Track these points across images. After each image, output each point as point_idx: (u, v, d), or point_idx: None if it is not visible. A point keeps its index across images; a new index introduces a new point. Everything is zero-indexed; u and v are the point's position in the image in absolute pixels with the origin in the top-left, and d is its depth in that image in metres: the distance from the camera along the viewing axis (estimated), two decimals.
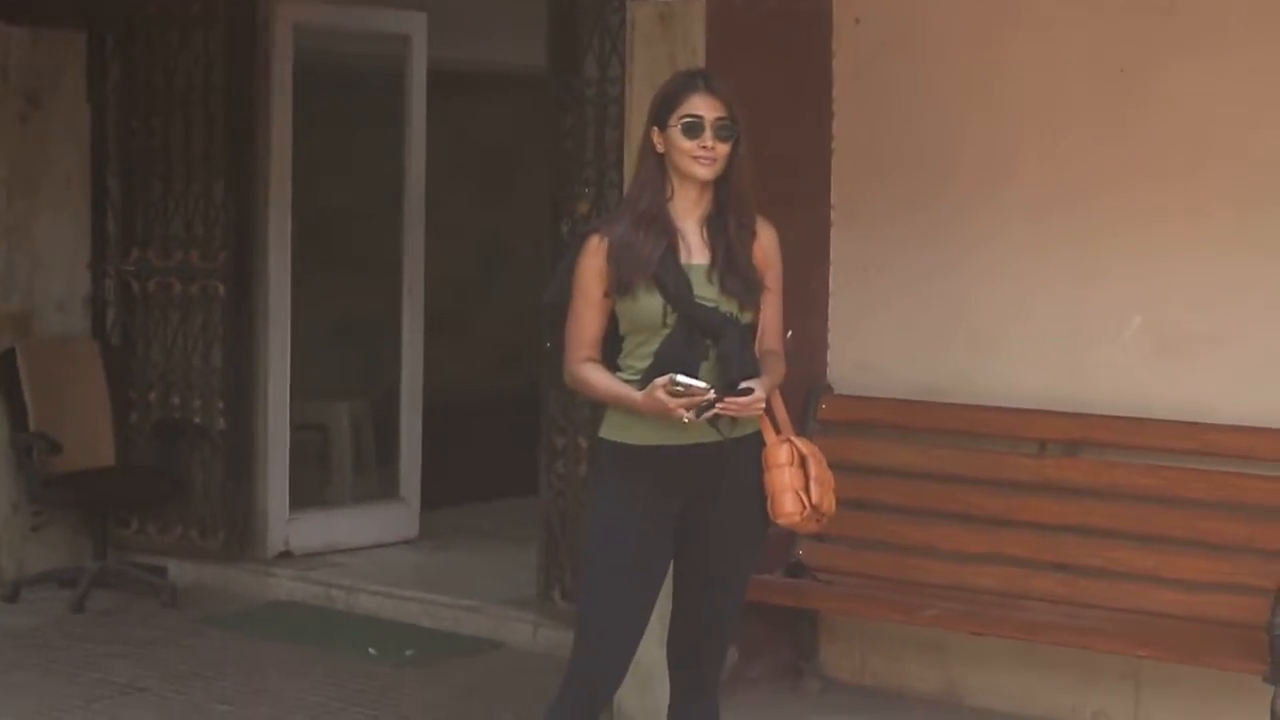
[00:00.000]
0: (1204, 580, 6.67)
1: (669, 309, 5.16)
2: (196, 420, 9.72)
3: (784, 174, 7.15)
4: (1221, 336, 6.86)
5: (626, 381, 5.21)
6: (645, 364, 5.19)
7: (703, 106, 5.19)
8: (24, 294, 9.63)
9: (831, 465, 6.91)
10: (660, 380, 5.02)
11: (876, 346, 7.57)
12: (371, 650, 8.37)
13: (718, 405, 5.04)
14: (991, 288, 7.33)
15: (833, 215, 7.66)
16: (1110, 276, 7.08)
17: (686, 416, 5.02)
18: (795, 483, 5.23)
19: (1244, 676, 6.26)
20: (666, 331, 5.17)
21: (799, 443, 5.30)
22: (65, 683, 7.85)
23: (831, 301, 7.65)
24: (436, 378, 10.51)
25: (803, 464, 5.26)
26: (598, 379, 5.27)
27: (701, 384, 5.01)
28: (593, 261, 5.24)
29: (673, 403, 5.00)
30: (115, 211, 9.94)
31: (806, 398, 7.35)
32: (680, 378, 5.00)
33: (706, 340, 5.17)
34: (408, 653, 8.35)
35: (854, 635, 7.59)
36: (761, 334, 5.32)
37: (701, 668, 5.50)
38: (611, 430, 5.32)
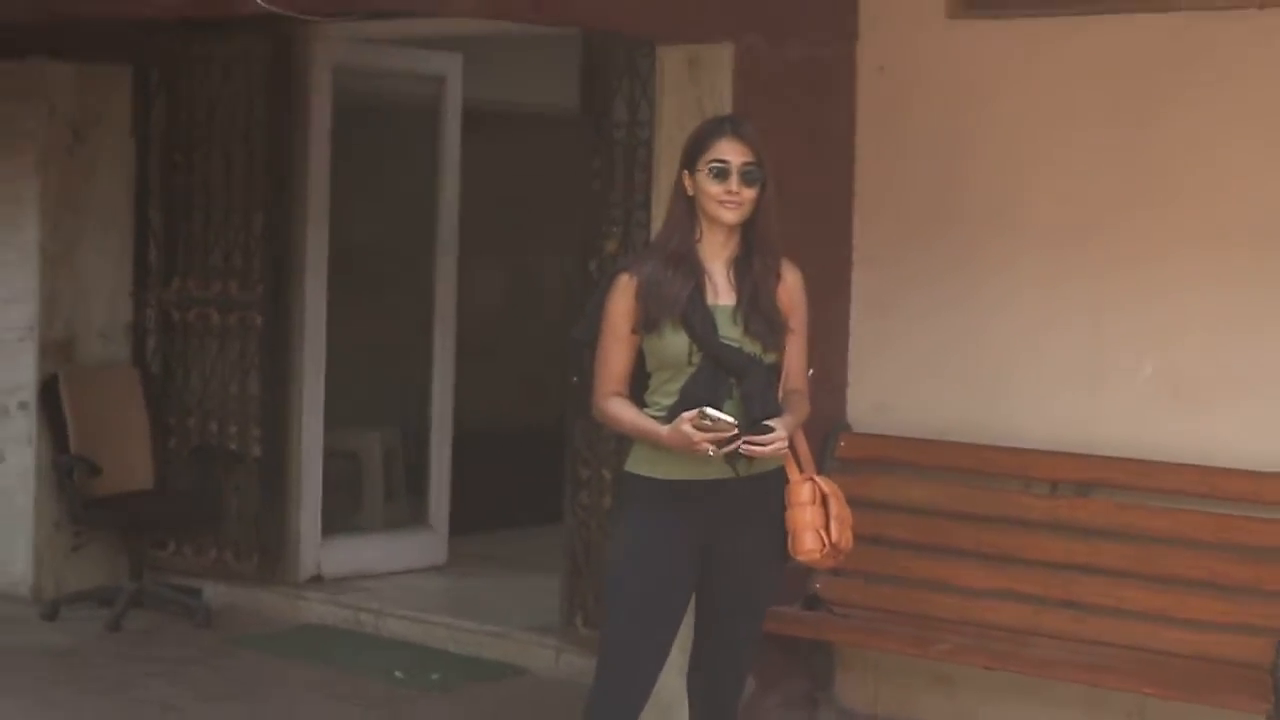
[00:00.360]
0: (1210, 620, 6.62)
1: (694, 348, 5.18)
2: (233, 446, 9.70)
3: (807, 216, 7.11)
4: (1231, 383, 6.81)
5: (652, 417, 5.22)
6: (671, 401, 5.20)
7: (729, 152, 5.20)
8: (67, 321, 9.62)
9: (849, 502, 6.88)
10: (688, 414, 5.05)
11: (894, 386, 7.53)
12: (398, 674, 8.33)
13: (740, 444, 5.04)
14: (1006, 332, 7.28)
15: (854, 256, 7.62)
16: (1124, 320, 7.03)
17: (710, 450, 5.03)
18: (816, 521, 5.25)
19: (1248, 715, 6.21)
20: (692, 370, 5.19)
21: (821, 481, 5.33)
22: (101, 700, 7.82)
23: (851, 341, 7.62)
24: (466, 408, 10.48)
25: (824, 502, 5.28)
26: (624, 413, 5.29)
27: (728, 419, 5.03)
28: (622, 299, 5.26)
29: (698, 436, 5.02)
30: (157, 242, 9.94)
31: (825, 436, 7.30)
32: (710, 411, 5.02)
33: (731, 379, 5.18)
34: (433, 677, 8.31)
35: (868, 667, 7.54)
36: (786, 374, 5.34)
37: (720, 697, 5.51)
38: (637, 464, 5.34)
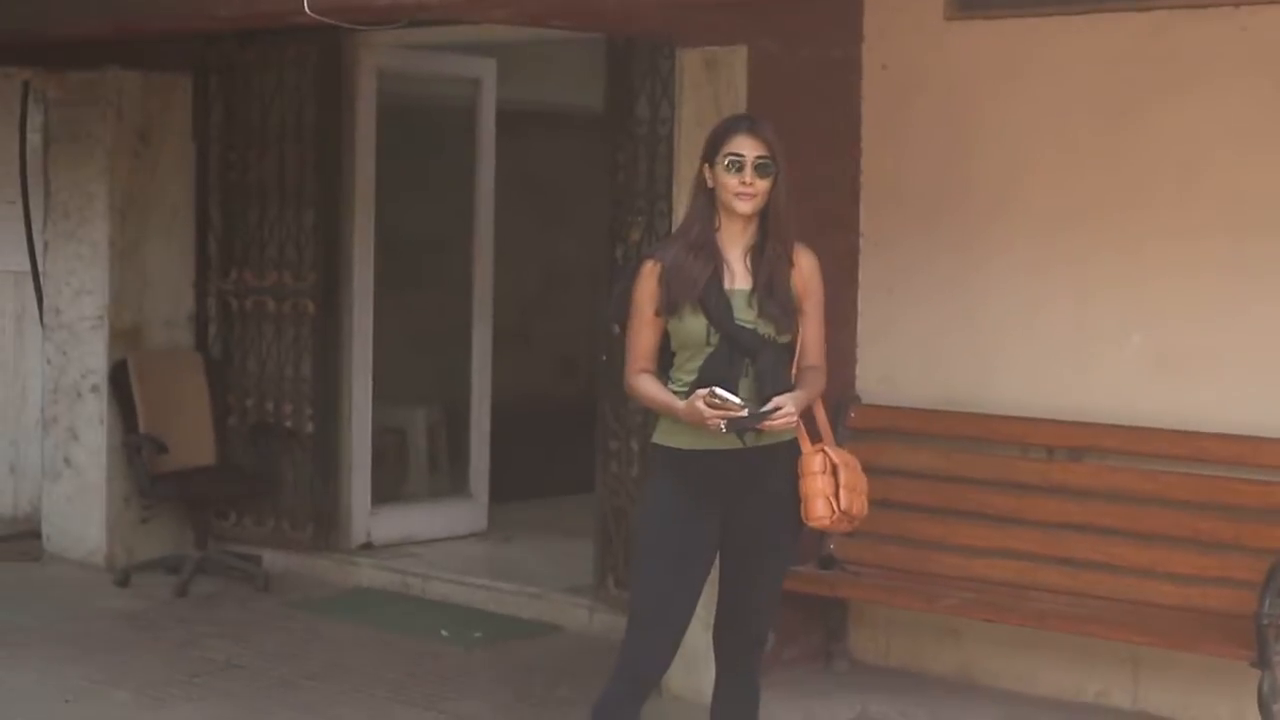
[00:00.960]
0: (1197, 575, 6.63)
1: (712, 329, 5.21)
2: (288, 424, 9.72)
3: (819, 205, 7.13)
4: (1213, 354, 6.81)
5: (675, 393, 5.27)
6: (692, 378, 5.23)
7: (745, 146, 5.23)
8: (135, 310, 9.67)
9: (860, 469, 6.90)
10: (701, 391, 5.10)
11: (899, 361, 7.54)
12: (444, 632, 8.37)
13: (754, 425, 5.09)
14: (1003, 307, 7.29)
15: (861, 242, 7.63)
16: (1111, 297, 7.05)
17: (721, 426, 5.07)
18: (826, 489, 5.25)
19: (1233, 662, 6.20)
20: (710, 349, 5.22)
21: (833, 452, 5.32)
22: (170, 659, 7.88)
23: (860, 320, 7.62)
24: (503, 386, 10.51)
25: (834, 472, 5.27)
26: (649, 388, 5.33)
27: (736, 399, 5.08)
28: (647, 284, 5.30)
29: (708, 413, 5.06)
30: (216, 237, 9.97)
31: (837, 408, 7.30)
32: (719, 391, 5.06)
33: (745, 359, 5.22)
34: (476, 635, 8.34)
35: (879, 621, 7.56)
36: (803, 351, 5.36)
37: (741, 653, 5.52)
38: (662, 436, 5.37)
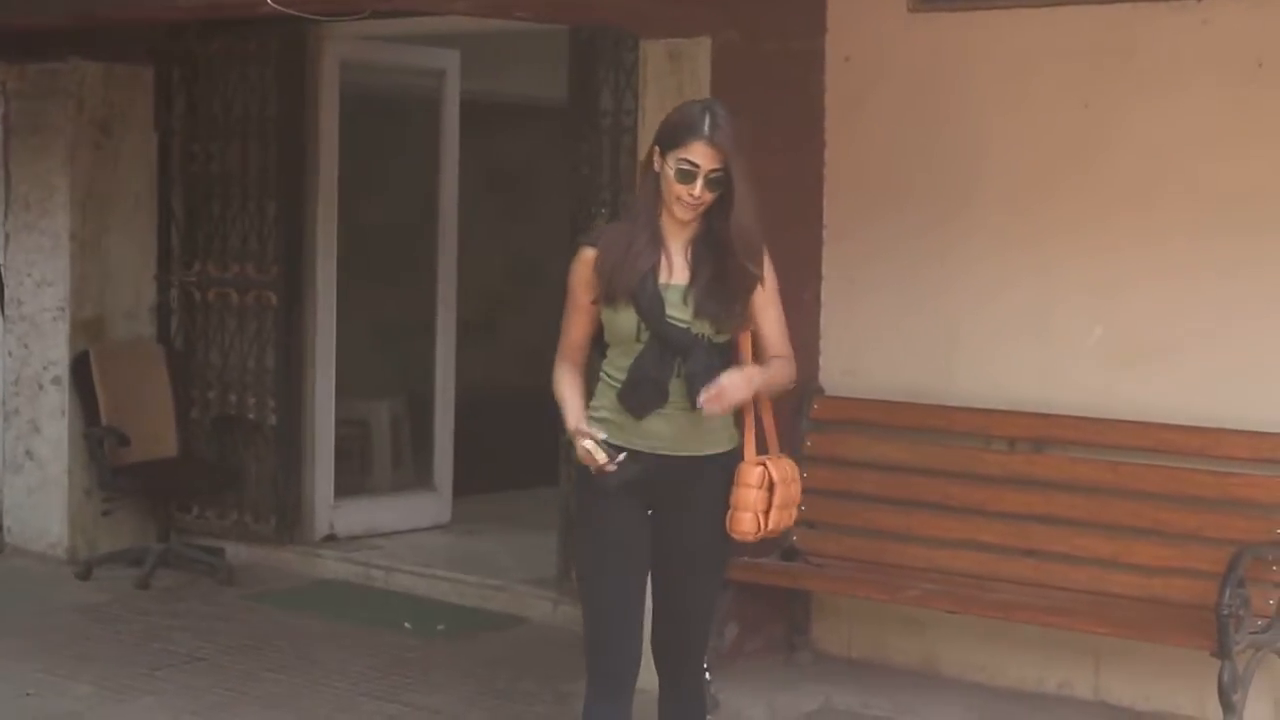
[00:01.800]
0: (1158, 565, 6.64)
1: (642, 326, 4.93)
2: (251, 416, 9.70)
3: (782, 196, 7.12)
4: (1174, 347, 6.83)
5: (609, 386, 5.02)
6: (623, 376, 4.98)
7: (701, 155, 4.86)
8: (96, 302, 9.64)
9: (822, 460, 6.95)
10: (591, 430, 4.93)
11: (862, 352, 7.54)
12: (407, 624, 8.37)
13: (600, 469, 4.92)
14: (965, 301, 7.30)
15: (824, 234, 7.62)
16: (1073, 292, 7.06)
17: (593, 465, 4.90)
18: (759, 504, 5.00)
19: (1194, 652, 6.23)
20: (640, 347, 4.95)
21: (773, 466, 5.04)
22: (132, 652, 7.85)
23: (823, 311, 7.62)
24: (467, 378, 10.50)
25: (770, 488, 5.00)
26: (562, 386, 5.11)
27: (616, 454, 4.88)
28: (582, 271, 5.04)
29: (581, 449, 4.92)
30: (179, 228, 9.94)
31: (800, 399, 7.32)
32: (607, 441, 4.91)
33: (676, 358, 4.92)
34: (439, 627, 8.34)
35: (842, 613, 7.57)
36: (764, 344, 5.06)
37: (680, 664, 5.25)
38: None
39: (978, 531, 7.06)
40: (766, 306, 5.08)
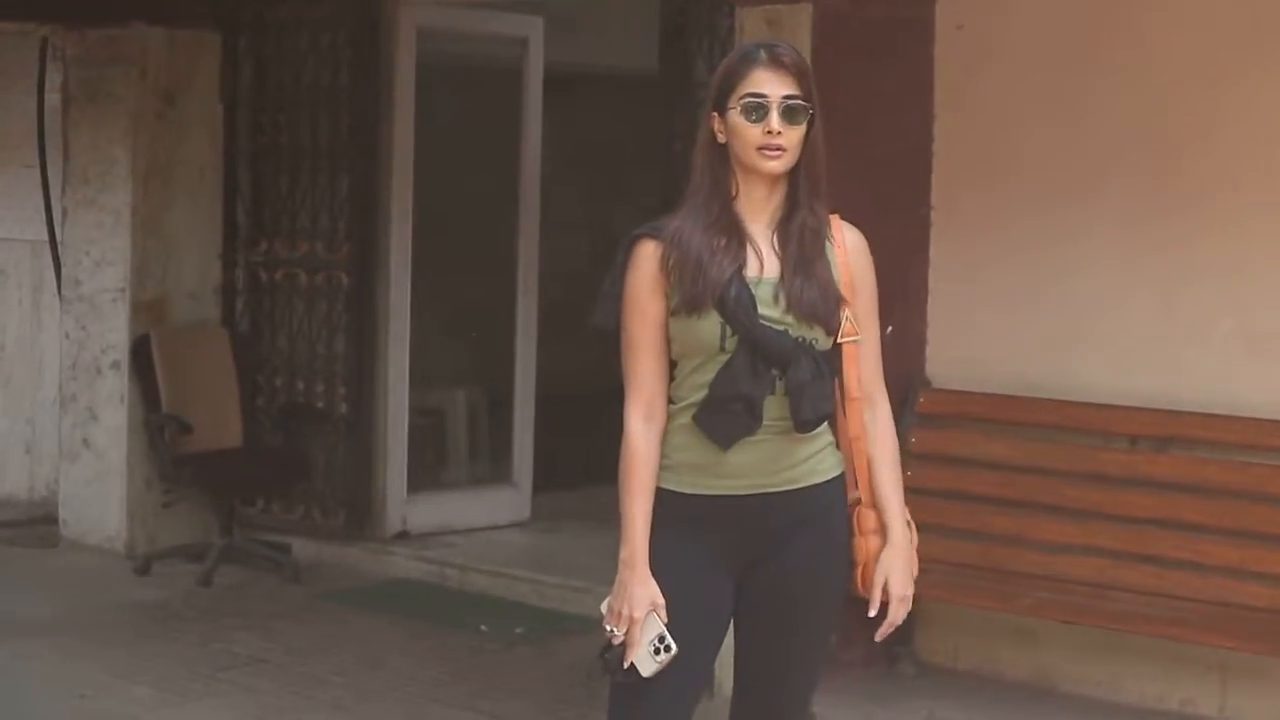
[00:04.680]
0: None
1: (728, 331, 4.13)
2: (319, 405, 9.73)
3: (885, 175, 7.08)
4: None
5: (681, 411, 4.23)
6: (698, 396, 4.18)
7: (768, 84, 4.13)
8: (158, 282, 9.68)
9: (929, 458, 6.91)
10: (655, 609, 4.18)
11: (973, 343, 7.48)
12: (483, 627, 8.35)
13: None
14: (1086, 287, 7.23)
15: (933, 215, 7.56)
16: (1201, 278, 6.97)
17: (613, 638, 4.21)
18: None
19: None
20: (725, 358, 4.14)
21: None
22: (192, 653, 7.88)
23: (930, 299, 7.56)
24: (548, 368, 10.48)
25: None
26: (633, 476, 4.26)
27: (668, 650, 4.14)
28: (646, 270, 4.20)
29: (625, 619, 4.20)
30: (245, 205, 9.97)
31: (905, 392, 7.25)
32: (668, 639, 4.15)
33: (773, 371, 4.13)
34: (518, 630, 8.33)
35: (948, 622, 7.50)
36: (860, 374, 4.30)
37: None
38: (661, 476, 4.28)
39: (1095, 536, 6.99)
40: (864, 318, 4.33)
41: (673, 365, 4.24)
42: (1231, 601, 6.64)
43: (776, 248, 4.21)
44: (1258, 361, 6.85)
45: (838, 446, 4.34)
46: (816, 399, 4.15)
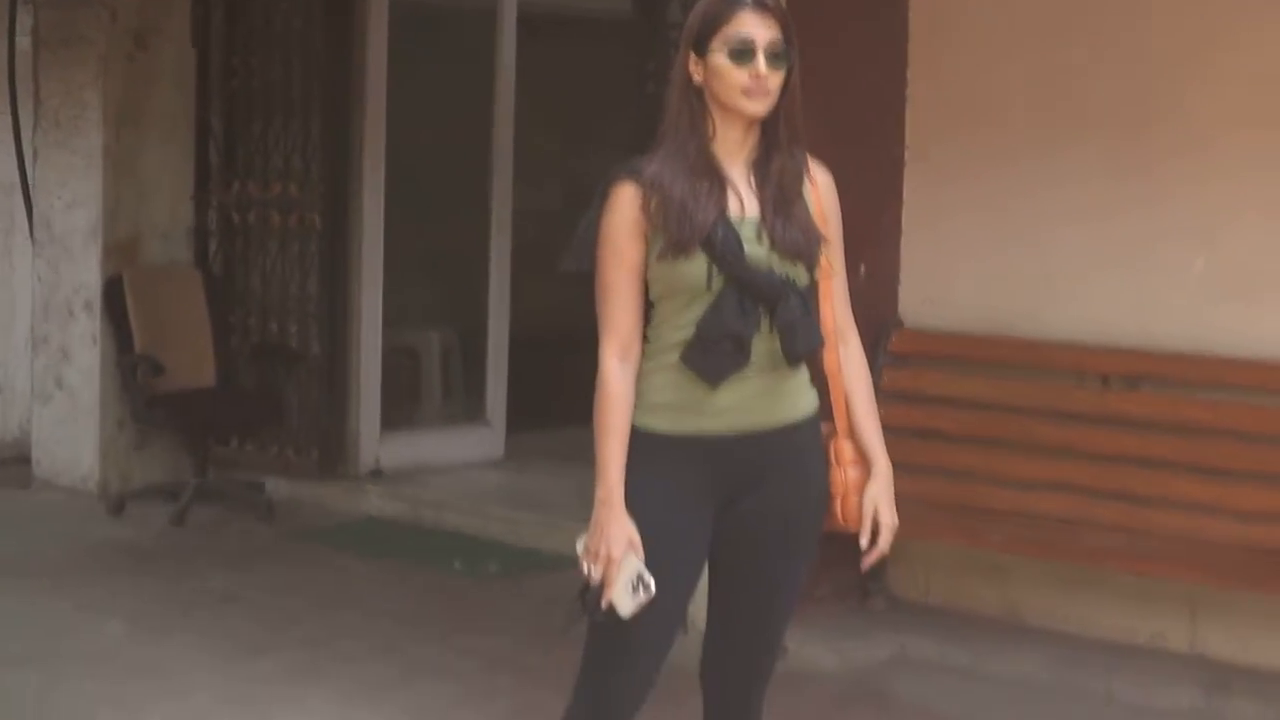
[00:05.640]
0: (1260, 511, 6.56)
1: (714, 270, 4.07)
2: (293, 344, 9.70)
3: (859, 115, 7.04)
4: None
5: (666, 351, 4.16)
6: (683, 335, 4.12)
7: (753, 25, 4.09)
8: (130, 223, 9.62)
9: (901, 397, 6.88)
10: (632, 548, 4.09)
11: (946, 282, 7.45)
12: (456, 564, 8.34)
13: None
14: (1060, 232, 7.19)
15: (906, 156, 7.52)
16: (1176, 218, 6.93)
17: (590, 578, 4.13)
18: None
19: None
20: (712, 297, 4.08)
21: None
22: (166, 591, 7.84)
23: (904, 240, 7.52)
24: (521, 309, 10.45)
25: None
26: (610, 413, 4.18)
27: (646, 590, 4.05)
28: (628, 213, 4.13)
29: (603, 557, 4.11)
30: (217, 147, 9.91)
31: (878, 332, 7.23)
32: (646, 577, 4.06)
33: (760, 308, 4.09)
34: (491, 567, 8.31)
35: (919, 558, 7.48)
36: (831, 309, 4.30)
37: (744, 689, 4.48)
38: (638, 415, 4.21)
39: (1067, 473, 6.98)
40: (834, 255, 4.33)
41: (649, 307, 4.19)
42: (1201, 537, 6.65)
43: (754, 188, 4.17)
44: (1228, 302, 6.82)
45: (814, 383, 4.31)
46: (807, 334, 4.15)
